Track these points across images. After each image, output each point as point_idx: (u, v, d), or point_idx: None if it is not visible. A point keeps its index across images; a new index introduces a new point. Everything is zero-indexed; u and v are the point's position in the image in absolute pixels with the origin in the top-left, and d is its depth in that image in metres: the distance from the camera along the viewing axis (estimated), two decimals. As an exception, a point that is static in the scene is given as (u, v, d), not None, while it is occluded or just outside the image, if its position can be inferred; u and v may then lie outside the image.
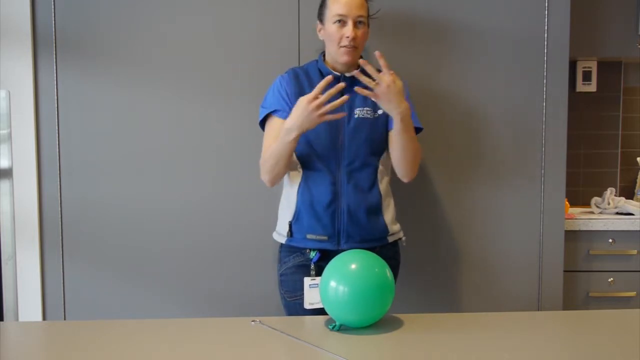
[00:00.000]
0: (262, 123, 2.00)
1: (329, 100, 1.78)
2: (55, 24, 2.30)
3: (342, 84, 1.78)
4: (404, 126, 1.84)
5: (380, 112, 1.93)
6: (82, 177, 2.33)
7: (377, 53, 1.78)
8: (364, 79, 1.78)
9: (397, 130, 1.85)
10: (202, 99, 2.32)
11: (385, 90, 1.77)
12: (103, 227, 2.34)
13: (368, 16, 1.96)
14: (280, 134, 1.85)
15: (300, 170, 1.96)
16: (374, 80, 1.78)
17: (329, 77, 1.81)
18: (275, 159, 1.88)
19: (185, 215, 2.34)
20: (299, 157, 1.95)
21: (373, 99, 1.82)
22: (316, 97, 1.77)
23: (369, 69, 1.76)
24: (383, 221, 1.97)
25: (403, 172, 1.95)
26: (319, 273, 1.88)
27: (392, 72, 1.79)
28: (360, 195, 1.92)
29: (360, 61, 1.78)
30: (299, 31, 2.30)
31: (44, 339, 1.53)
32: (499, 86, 2.34)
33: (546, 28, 2.32)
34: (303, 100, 1.79)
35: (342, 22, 1.88)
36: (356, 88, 1.81)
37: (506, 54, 2.33)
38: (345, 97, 1.80)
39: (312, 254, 1.93)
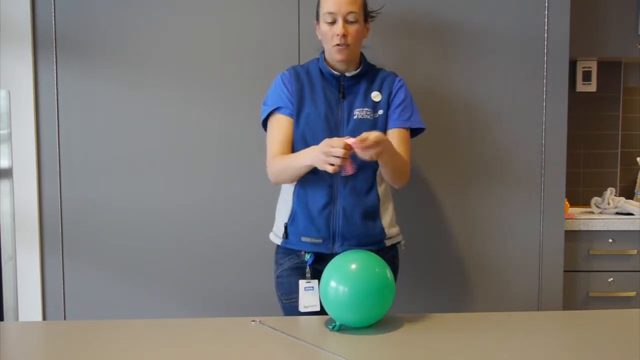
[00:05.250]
0: (265, 122, 1.98)
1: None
2: (55, 24, 2.30)
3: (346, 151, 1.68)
4: (386, 159, 1.79)
5: (380, 112, 1.91)
6: (82, 177, 2.33)
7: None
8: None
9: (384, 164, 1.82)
10: (202, 99, 2.32)
11: (376, 146, 1.69)
12: (103, 227, 2.34)
13: (365, 13, 1.93)
14: (303, 153, 1.83)
15: None
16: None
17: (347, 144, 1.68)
18: (284, 168, 1.87)
19: (185, 215, 2.34)
20: None
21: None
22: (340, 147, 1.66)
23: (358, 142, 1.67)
24: (380, 225, 1.93)
25: (392, 182, 1.93)
26: (314, 276, 1.86)
27: (362, 138, 1.68)
28: (357, 199, 1.89)
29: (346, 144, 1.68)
30: (299, 31, 2.30)
31: (44, 339, 1.53)
32: (499, 86, 2.34)
33: (546, 28, 2.32)
34: (328, 140, 1.71)
35: (333, 20, 1.86)
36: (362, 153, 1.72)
37: (506, 53, 2.33)
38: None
39: (307, 257, 1.90)
